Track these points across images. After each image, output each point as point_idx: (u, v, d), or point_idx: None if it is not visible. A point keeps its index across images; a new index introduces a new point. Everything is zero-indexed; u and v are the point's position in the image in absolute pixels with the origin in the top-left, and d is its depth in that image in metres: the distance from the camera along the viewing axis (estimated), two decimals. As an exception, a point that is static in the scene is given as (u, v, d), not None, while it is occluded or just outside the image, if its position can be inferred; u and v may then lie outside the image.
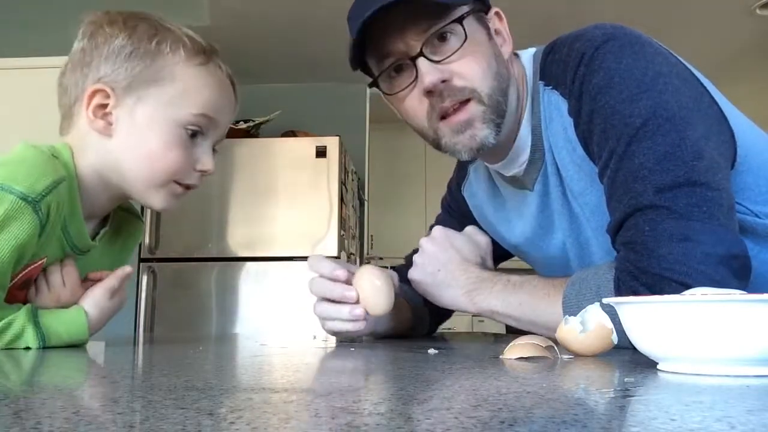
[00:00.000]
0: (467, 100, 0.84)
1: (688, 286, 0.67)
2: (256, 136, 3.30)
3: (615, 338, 0.62)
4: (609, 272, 0.77)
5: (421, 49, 0.82)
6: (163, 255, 3.03)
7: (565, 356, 0.63)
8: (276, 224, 3.02)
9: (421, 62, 0.83)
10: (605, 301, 0.57)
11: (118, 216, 0.94)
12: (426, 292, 0.95)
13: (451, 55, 0.83)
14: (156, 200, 0.85)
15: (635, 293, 0.71)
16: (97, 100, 0.82)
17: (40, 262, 0.80)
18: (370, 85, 0.90)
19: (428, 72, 0.82)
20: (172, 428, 0.26)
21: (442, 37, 0.83)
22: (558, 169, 0.87)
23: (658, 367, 0.51)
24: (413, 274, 0.96)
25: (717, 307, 0.46)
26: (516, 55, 0.93)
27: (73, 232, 0.82)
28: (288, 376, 0.49)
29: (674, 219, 0.71)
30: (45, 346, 0.76)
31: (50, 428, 0.26)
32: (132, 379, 0.48)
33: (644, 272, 0.72)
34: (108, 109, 0.82)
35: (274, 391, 0.39)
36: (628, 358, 0.61)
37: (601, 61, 0.78)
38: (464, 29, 0.83)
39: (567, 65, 0.82)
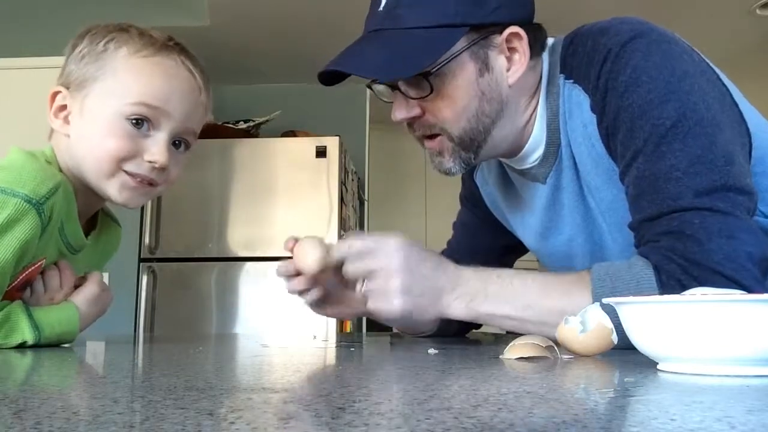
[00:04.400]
0: (438, 134, 0.86)
1: (737, 283, 0.68)
2: (256, 136, 3.30)
3: (615, 338, 0.62)
4: (647, 268, 0.74)
5: (399, 84, 0.85)
6: (163, 255, 3.02)
7: (565, 356, 0.63)
8: (276, 224, 3.01)
9: (397, 95, 0.85)
10: (605, 301, 0.57)
11: (102, 220, 0.96)
12: (410, 319, 0.83)
13: (426, 96, 0.83)
14: (110, 190, 0.85)
15: (683, 286, 0.68)
16: (58, 101, 0.86)
17: (39, 263, 0.81)
18: (368, 85, 0.91)
19: (398, 108, 0.86)
20: (172, 428, 0.26)
21: (423, 75, 0.82)
22: (575, 164, 0.87)
23: (658, 367, 0.51)
24: (395, 306, 0.81)
25: (717, 307, 0.46)
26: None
27: (69, 233, 0.84)
28: (288, 376, 0.49)
29: (719, 216, 0.71)
30: (39, 340, 0.77)
31: (50, 428, 0.26)
32: (132, 379, 0.48)
33: (695, 264, 0.71)
34: (67, 109, 0.85)
35: (274, 391, 0.39)
36: (628, 358, 0.61)
37: (628, 59, 0.77)
38: (445, 73, 0.81)
39: (592, 60, 0.81)
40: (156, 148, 0.84)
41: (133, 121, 0.83)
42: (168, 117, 0.84)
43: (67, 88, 0.85)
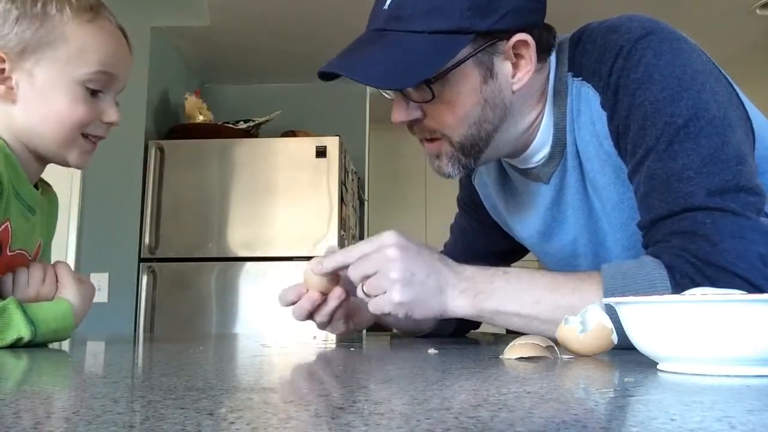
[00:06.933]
0: (438, 138, 0.85)
1: (750, 283, 0.68)
2: (256, 136, 3.30)
3: (615, 338, 0.62)
4: (659, 268, 0.73)
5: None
6: (163, 255, 3.02)
7: (565, 356, 0.63)
8: (276, 224, 3.02)
9: (398, 96, 0.83)
10: (605, 300, 0.57)
11: (41, 185, 0.97)
12: (412, 311, 0.78)
13: (429, 101, 0.80)
14: (70, 157, 0.89)
15: (697, 286, 0.67)
16: None
17: (5, 225, 0.82)
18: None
19: (398, 110, 0.83)
20: (172, 428, 0.26)
21: (425, 81, 0.79)
22: (580, 163, 0.86)
23: (658, 367, 0.51)
24: (395, 296, 0.76)
25: (717, 307, 0.46)
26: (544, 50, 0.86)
27: (24, 194, 0.86)
28: (288, 376, 0.49)
29: (730, 217, 0.72)
30: (36, 336, 0.77)
31: (50, 428, 0.26)
32: (132, 379, 0.48)
33: (708, 264, 0.71)
34: (6, 74, 0.84)
35: (274, 391, 0.39)
36: (628, 358, 0.61)
37: (640, 56, 0.77)
38: (448, 79, 0.79)
39: (602, 57, 0.80)
40: (111, 109, 0.90)
41: (91, 89, 0.87)
42: (115, 79, 0.90)
43: (5, 53, 0.83)
